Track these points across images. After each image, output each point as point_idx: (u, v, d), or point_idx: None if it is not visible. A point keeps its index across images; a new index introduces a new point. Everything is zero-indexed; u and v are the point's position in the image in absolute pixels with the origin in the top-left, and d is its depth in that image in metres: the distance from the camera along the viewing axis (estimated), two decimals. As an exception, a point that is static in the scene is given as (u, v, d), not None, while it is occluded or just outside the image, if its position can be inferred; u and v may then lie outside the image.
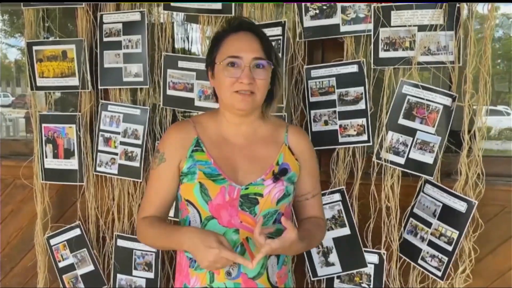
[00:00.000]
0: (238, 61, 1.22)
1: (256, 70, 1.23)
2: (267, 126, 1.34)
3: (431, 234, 1.66)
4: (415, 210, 1.72)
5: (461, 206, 1.60)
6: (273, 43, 1.42)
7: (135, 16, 1.95)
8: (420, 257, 1.70)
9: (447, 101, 1.63)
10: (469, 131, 1.62)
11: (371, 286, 1.78)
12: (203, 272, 1.25)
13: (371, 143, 1.75)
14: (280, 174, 1.28)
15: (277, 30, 1.74)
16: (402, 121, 1.69)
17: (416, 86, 1.66)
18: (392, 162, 1.71)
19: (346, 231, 1.78)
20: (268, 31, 1.68)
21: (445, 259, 1.63)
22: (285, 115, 1.79)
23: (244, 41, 1.24)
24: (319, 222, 1.37)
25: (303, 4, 1.74)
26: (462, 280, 1.65)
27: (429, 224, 1.67)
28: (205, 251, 1.10)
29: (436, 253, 1.65)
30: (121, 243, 2.06)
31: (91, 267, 2.11)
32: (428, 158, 1.66)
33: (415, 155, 1.68)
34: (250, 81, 1.21)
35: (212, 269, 1.19)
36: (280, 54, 1.72)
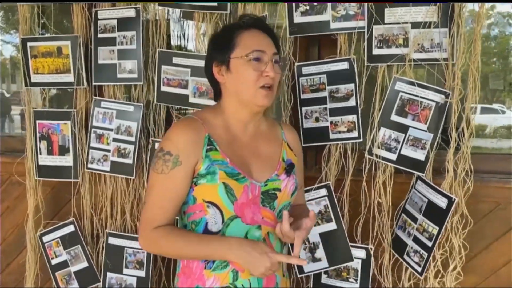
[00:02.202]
0: (262, 56, 1.22)
1: (275, 65, 1.25)
2: (266, 124, 1.37)
3: (416, 229, 1.66)
4: (407, 206, 1.72)
5: (442, 202, 1.59)
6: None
7: (130, 13, 1.95)
8: (405, 252, 1.70)
9: (440, 98, 1.62)
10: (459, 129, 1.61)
11: (358, 281, 1.78)
12: (225, 271, 1.24)
13: (361, 140, 1.75)
14: (290, 168, 1.34)
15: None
16: (394, 117, 1.69)
17: (408, 83, 1.66)
18: (384, 158, 1.71)
19: (332, 225, 1.78)
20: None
21: (425, 254, 1.63)
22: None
23: (262, 37, 1.26)
24: (305, 207, 1.51)
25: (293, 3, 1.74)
26: (453, 278, 1.64)
27: (415, 220, 1.67)
28: (261, 258, 1.16)
29: (419, 249, 1.65)
30: (112, 240, 2.04)
31: (85, 264, 2.09)
32: (420, 155, 1.66)
33: (407, 151, 1.67)
34: (274, 75, 1.23)
35: (265, 275, 1.20)
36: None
